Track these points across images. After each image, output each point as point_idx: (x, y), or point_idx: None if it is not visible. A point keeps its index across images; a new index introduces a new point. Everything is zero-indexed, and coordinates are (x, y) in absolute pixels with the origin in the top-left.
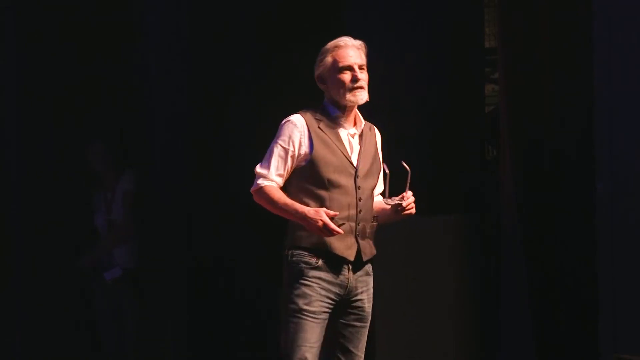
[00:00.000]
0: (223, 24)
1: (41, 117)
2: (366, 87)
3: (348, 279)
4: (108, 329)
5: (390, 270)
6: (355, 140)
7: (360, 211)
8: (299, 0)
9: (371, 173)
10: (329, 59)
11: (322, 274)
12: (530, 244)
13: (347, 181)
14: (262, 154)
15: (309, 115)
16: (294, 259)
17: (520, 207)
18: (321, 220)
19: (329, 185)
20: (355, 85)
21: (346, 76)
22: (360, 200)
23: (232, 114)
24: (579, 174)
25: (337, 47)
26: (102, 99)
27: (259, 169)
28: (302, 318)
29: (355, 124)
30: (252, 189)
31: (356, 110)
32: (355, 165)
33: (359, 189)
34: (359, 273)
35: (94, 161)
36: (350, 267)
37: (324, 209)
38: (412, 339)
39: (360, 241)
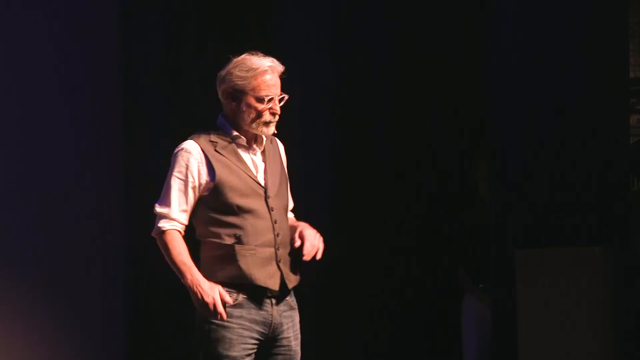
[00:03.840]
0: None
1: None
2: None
3: (272, 315)
4: None
5: (532, 302)
6: (259, 158)
7: (278, 234)
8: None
9: (282, 191)
10: (251, 81)
11: (243, 312)
12: None
13: (258, 204)
14: None
15: (202, 139)
16: None
17: None
18: (213, 297)
19: (240, 211)
20: (273, 120)
21: (265, 107)
22: (276, 222)
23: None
24: None
25: (263, 71)
26: None
27: (158, 208)
28: None
29: (256, 140)
30: (153, 233)
31: None
32: (263, 185)
33: (272, 210)
34: (282, 307)
35: None
36: (274, 301)
37: (220, 287)
38: None
39: (282, 268)
